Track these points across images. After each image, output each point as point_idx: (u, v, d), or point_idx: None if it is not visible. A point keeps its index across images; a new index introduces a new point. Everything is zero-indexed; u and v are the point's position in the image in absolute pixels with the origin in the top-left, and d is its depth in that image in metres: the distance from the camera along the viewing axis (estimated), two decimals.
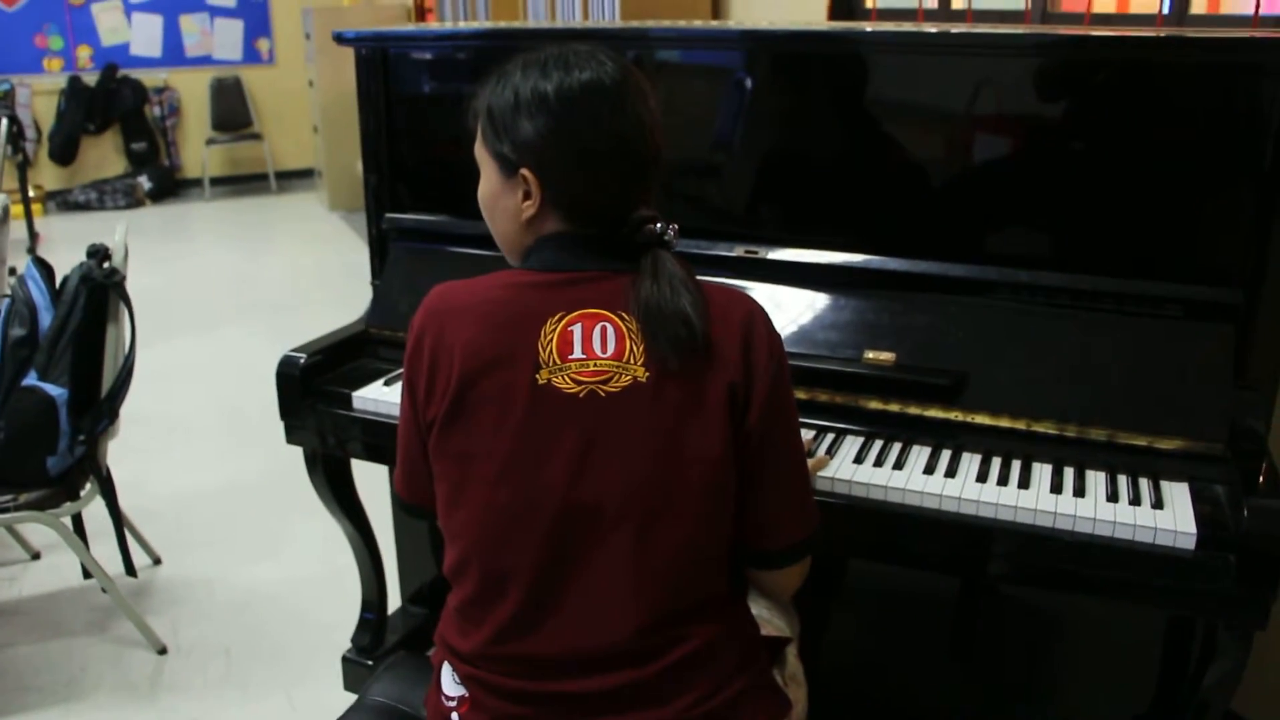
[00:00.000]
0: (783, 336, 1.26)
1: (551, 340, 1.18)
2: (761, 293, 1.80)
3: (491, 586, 1.21)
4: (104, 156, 8.30)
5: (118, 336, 2.46)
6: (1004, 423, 1.62)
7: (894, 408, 1.69)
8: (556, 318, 1.19)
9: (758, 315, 1.24)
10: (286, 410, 1.99)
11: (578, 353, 1.17)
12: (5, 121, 5.34)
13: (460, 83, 2.16)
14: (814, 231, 1.85)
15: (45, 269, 2.48)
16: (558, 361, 1.17)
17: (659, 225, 1.23)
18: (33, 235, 6.77)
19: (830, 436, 1.69)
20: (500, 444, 1.18)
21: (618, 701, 1.19)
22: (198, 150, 8.50)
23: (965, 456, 1.61)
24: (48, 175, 8.09)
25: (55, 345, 2.36)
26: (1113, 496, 1.49)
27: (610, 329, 1.19)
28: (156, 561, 3.03)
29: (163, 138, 8.42)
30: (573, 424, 1.17)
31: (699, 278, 1.24)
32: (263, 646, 2.64)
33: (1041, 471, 1.56)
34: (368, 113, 2.19)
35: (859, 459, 1.61)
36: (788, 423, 1.26)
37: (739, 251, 1.85)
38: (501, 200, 1.27)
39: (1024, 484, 1.53)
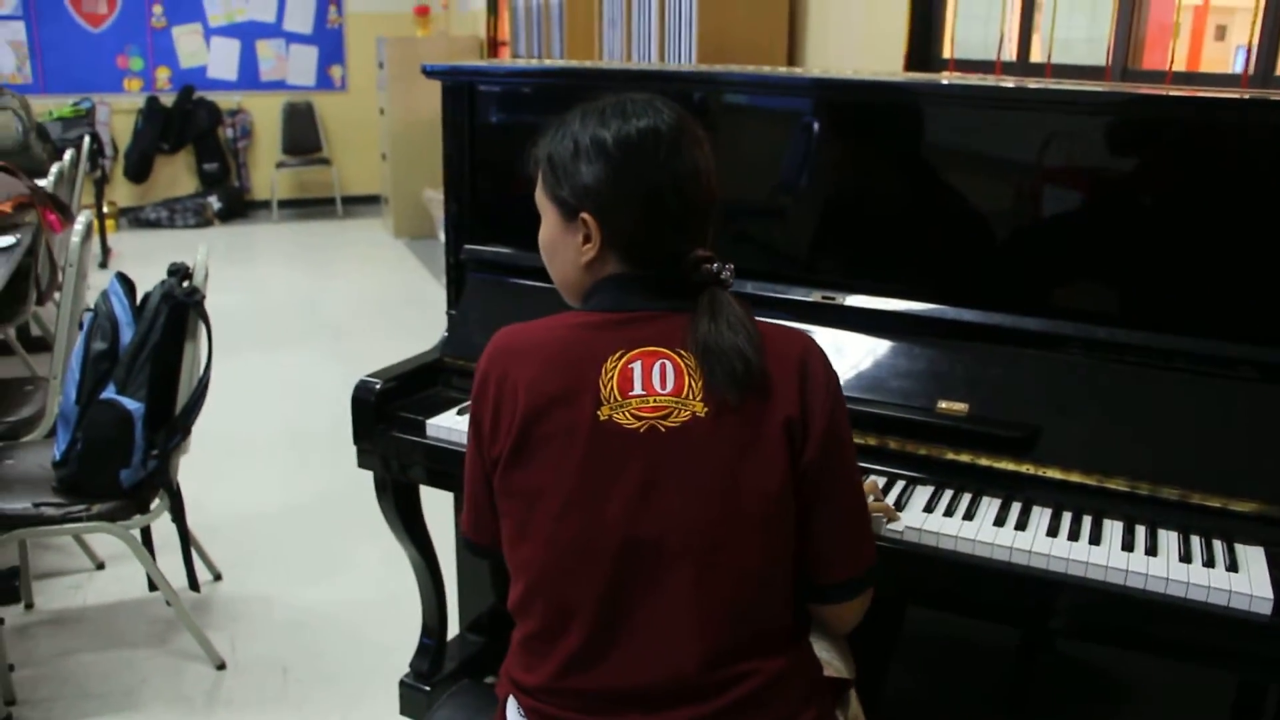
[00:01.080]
0: (857, 383, 1.28)
1: (612, 377, 1.21)
2: (837, 338, 1.81)
3: (556, 621, 1.23)
4: (176, 176, 8.51)
5: (195, 354, 2.52)
6: (1075, 478, 1.62)
7: (965, 458, 1.69)
8: (617, 356, 1.22)
9: (814, 352, 1.27)
10: (360, 434, 2.02)
11: (638, 389, 1.21)
12: (86, 139, 5.50)
13: (542, 118, 2.19)
14: (890, 280, 1.86)
15: (128, 285, 2.54)
16: (618, 398, 1.21)
17: (715, 265, 1.27)
18: (105, 250, 6.96)
19: (901, 484, 1.69)
20: (564, 480, 1.21)
21: None
22: (267, 173, 8.68)
23: (1035, 510, 1.61)
24: (121, 192, 8.30)
25: (135, 360, 2.43)
26: (1186, 557, 1.47)
27: (669, 366, 1.22)
28: (218, 578, 3.09)
29: (234, 159, 8.62)
30: (634, 459, 1.20)
31: (757, 318, 1.27)
32: (320, 666, 2.67)
33: (1113, 529, 1.56)
34: (451, 143, 2.24)
35: (929, 508, 1.61)
36: (845, 458, 1.27)
37: (816, 297, 1.87)
38: (561, 244, 1.31)
39: (1095, 540, 1.52)
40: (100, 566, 3.13)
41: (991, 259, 1.83)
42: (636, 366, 1.22)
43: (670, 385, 1.21)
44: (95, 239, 6.86)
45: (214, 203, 8.39)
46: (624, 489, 1.19)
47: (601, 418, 1.20)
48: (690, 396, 1.20)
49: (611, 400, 1.21)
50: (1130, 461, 1.60)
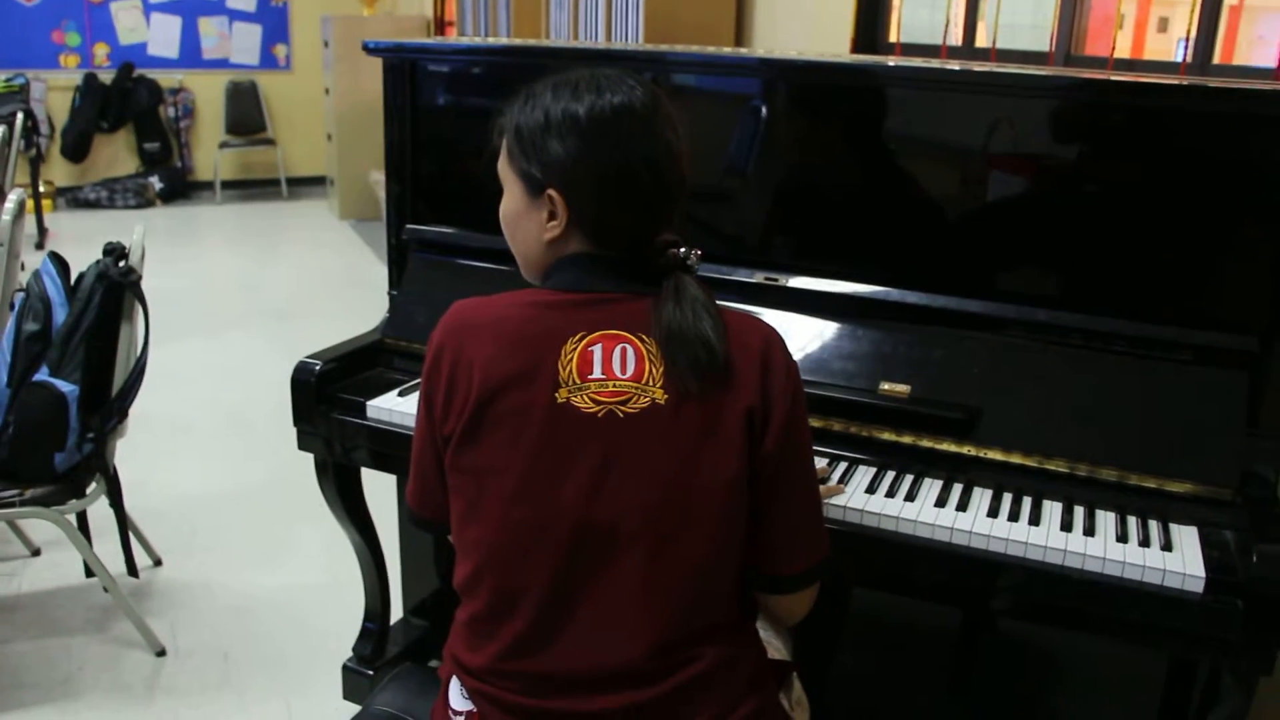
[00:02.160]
0: (800, 364, 1.28)
1: (572, 360, 1.19)
2: (780, 320, 1.81)
3: (503, 602, 1.22)
4: (116, 155, 8.33)
5: (131, 336, 2.47)
6: (1016, 459, 1.63)
7: (907, 440, 1.70)
8: (577, 337, 1.20)
9: (775, 341, 1.25)
10: (300, 416, 1.99)
11: (597, 373, 1.18)
12: (20, 116, 5.36)
13: (486, 97, 2.17)
14: (833, 261, 1.86)
15: (61, 265, 2.48)
16: (577, 381, 1.18)
17: (682, 250, 1.24)
18: (42, 231, 6.80)
19: (843, 466, 1.70)
20: (517, 461, 1.19)
21: None
22: (210, 153, 8.53)
23: (976, 491, 1.62)
24: (59, 171, 8.11)
25: (68, 342, 2.37)
26: (1122, 537, 1.49)
27: (630, 350, 1.20)
28: (158, 563, 3.03)
29: (176, 139, 8.46)
30: (591, 443, 1.18)
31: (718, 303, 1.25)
32: (262, 652, 2.64)
33: (1052, 509, 1.57)
34: (393, 123, 2.20)
35: (871, 489, 1.62)
36: (803, 448, 1.26)
37: (759, 278, 1.86)
38: (524, 219, 1.28)
39: (1034, 520, 1.54)
40: (35, 553, 3.06)
41: (935, 242, 1.84)
42: (597, 349, 1.19)
43: (631, 370, 1.19)
44: (29, 218, 6.71)
45: (155, 183, 8.23)
46: (579, 474, 1.17)
47: (559, 400, 1.18)
48: (650, 383, 1.18)
49: (570, 383, 1.18)
50: (1069, 443, 1.61)
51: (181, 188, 8.45)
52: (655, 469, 1.18)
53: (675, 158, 1.25)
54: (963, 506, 1.57)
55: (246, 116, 8.54)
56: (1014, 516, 1.55)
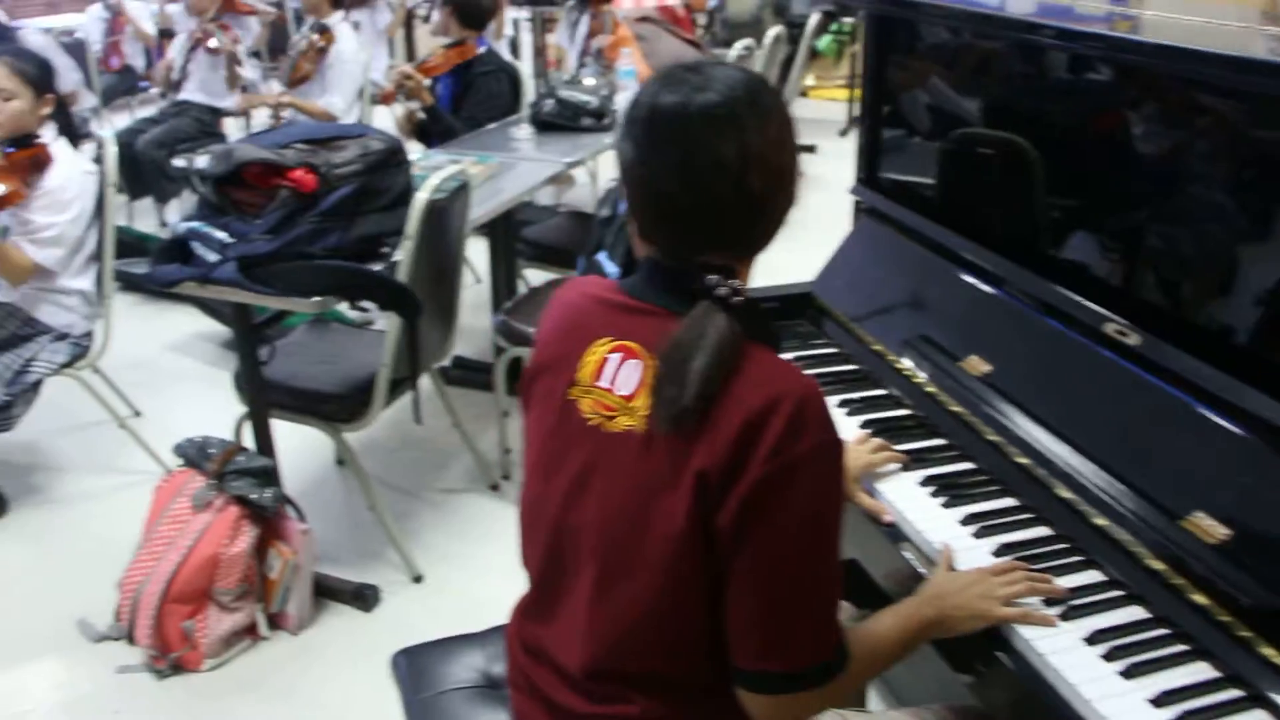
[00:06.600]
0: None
1: (591, 360, 1.15)
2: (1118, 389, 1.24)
3: (524, 562, 1.26)
4: None
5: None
6: None
7: (1222, 616, 1.03)
8: (603, 341, 1.15)
9: (788, 406, 1.02)
10: None
11: (604, 381, 1.14)
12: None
13: (966, 74, 1.78)
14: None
15: None
16: (588, 383, 1.14)
17: (716, 278, 1.08)
18: None
19: (1099, 619, 1.10)
20: (536, 442, 1.21)
21: None
22: None
23: None
24: None
25: None
26: None
27: (636, 369, 1.11)
28: None
29: None
30: (580, 449, 1.14)
31: (767, 351, 1.08)
32: None
33: None
34: (871, 81, 1.96)
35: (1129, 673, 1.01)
36: (773, 539, 1.04)
37: (1109, 329, 1.28)
38: None
39: None
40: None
41: None
42: (614, 358, 1.13)
43: (629, 389, 1.11)
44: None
45: None
46: (566, 474, 1.15)
47: (570, 397, 1.15)
48: (638, 408, 1.10)
49: (582, 383, 1.15)
50: None
51: None
52: (615, 499, 1.11)
53: (727, 174, 1.06)
54: None
55: None
56: None
